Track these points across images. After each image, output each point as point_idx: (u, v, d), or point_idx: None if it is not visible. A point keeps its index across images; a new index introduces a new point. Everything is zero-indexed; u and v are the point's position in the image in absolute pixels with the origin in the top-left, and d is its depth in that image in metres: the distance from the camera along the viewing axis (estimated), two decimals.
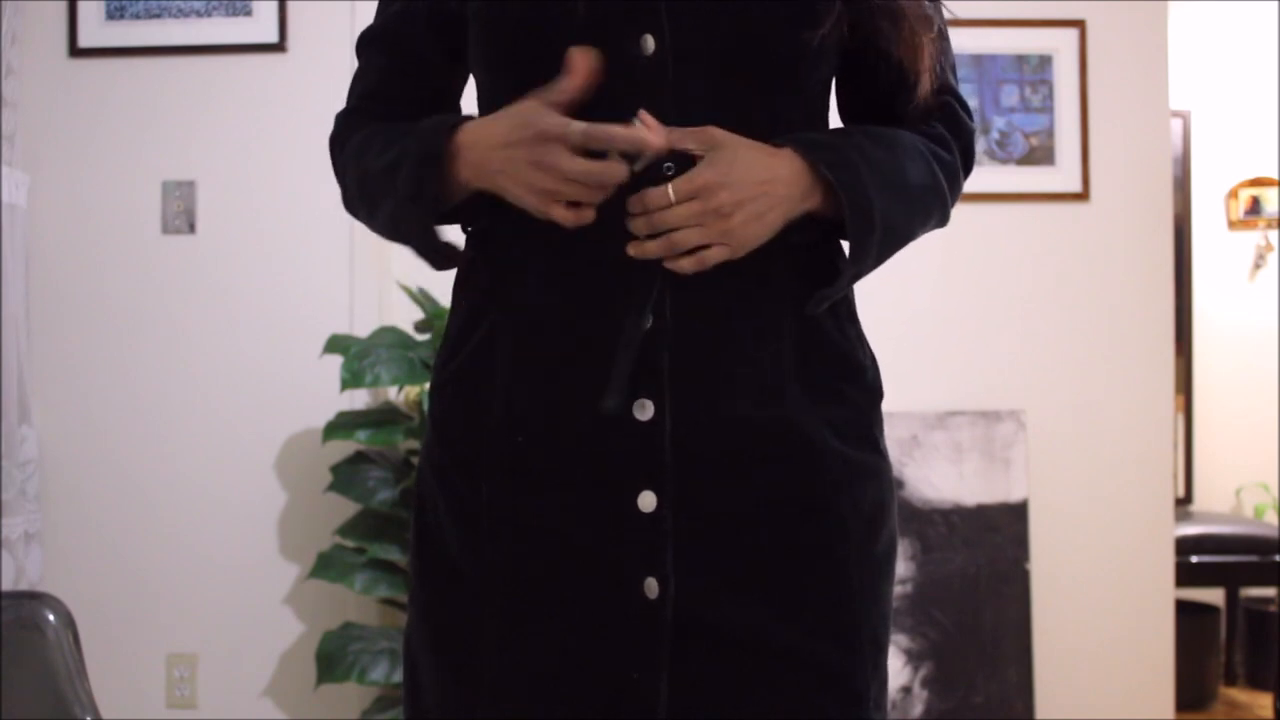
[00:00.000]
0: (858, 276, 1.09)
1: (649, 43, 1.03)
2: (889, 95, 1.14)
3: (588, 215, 1.01)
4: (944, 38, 1.15)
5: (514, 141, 1.00)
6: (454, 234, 1.13)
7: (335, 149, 1.19)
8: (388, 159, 1.09)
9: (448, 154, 1.05)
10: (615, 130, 0.98)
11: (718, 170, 1.00)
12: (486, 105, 1.15)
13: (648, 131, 0.99)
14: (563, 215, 1.00)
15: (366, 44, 1.21)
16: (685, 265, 1.02)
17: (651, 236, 1.02)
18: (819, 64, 1.09)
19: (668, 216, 1.00)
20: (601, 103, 1.02)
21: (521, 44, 1.06)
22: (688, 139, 1.01)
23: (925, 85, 1.11)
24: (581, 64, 0.99)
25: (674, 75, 1.03)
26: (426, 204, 1.06)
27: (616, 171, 0.98)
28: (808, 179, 1.04)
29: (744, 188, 1.01)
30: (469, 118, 1.08)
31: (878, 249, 1.07)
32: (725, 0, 1.04)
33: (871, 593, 1.09)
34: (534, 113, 1.00)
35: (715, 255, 1.02)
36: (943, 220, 1.16)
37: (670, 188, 1.00)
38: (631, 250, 1.02)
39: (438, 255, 1.10)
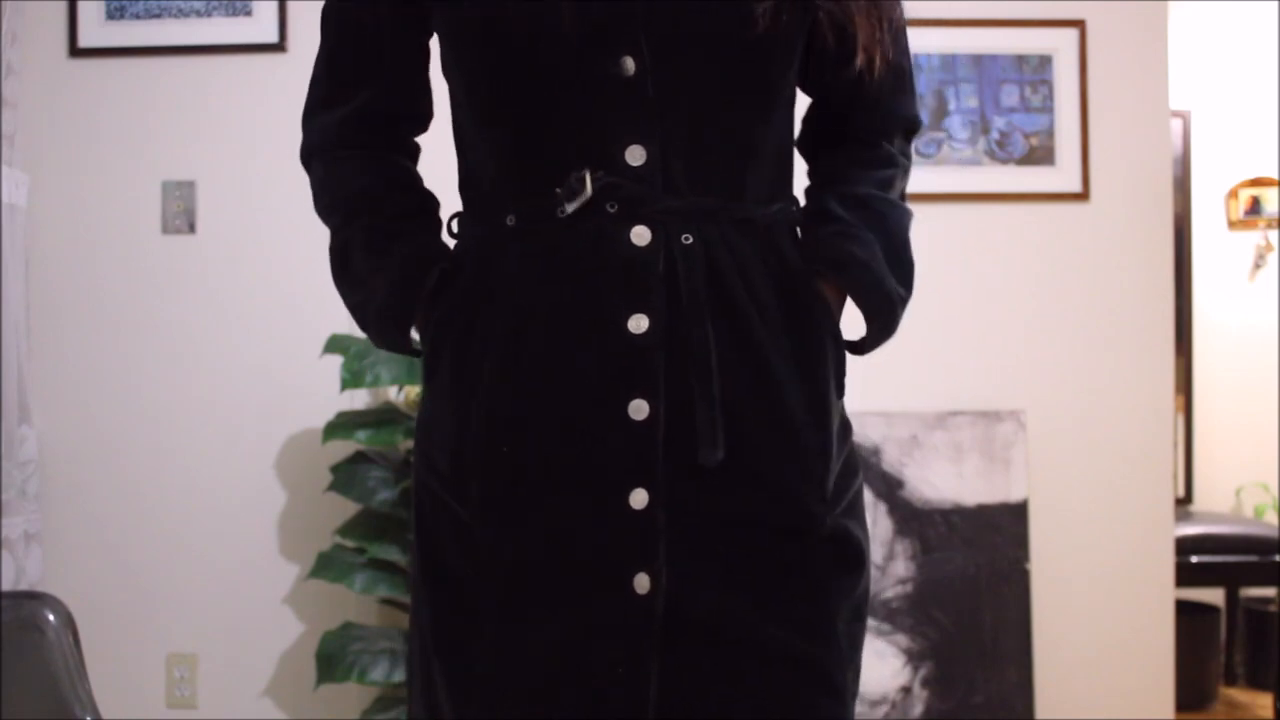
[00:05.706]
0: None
1: (629, 64, 1.04)
2: (844, 82, 1.16)
3: None
4: (900, 31, 1.18)
5: None
6: None
7: (307, 162, 1.24)
8: (369, 268, 1.17)
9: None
10: None
11: None
12: (461, 110, 1.15)
13: None
14: None
15: (325, 22, 1.21)
16: None
17: None
18: (789, 81, 1.13)
19: None
20: (584, 122, 1.05)
21: (501, 61, 1.07)
22: None
23: (878, 69, 1.14)
24: None
25: (655, 94, 1.05)
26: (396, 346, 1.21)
27: None
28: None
29: None
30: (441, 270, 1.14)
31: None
32: (701, 22, 1.06)
33: (841, 587, 1.11)
34: None
35: None
36: None
37: None
38: None
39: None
